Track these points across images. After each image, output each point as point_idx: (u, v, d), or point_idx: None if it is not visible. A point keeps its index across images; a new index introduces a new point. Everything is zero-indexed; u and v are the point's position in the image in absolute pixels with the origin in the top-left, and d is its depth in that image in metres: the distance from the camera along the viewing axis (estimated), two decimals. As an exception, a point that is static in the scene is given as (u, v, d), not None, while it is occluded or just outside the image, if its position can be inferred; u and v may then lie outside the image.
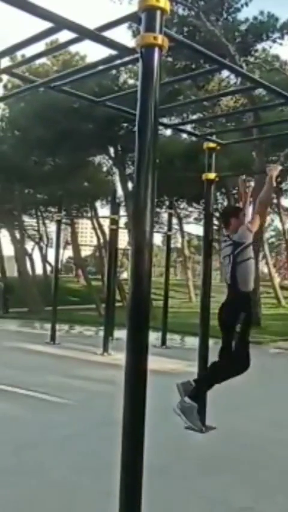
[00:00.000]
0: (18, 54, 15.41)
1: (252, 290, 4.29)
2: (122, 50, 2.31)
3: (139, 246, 2.01)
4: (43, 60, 21.42)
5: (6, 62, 2.97)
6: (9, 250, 29.05)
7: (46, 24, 2.21)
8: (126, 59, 2.44)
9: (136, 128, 2.05)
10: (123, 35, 14.98)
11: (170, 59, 15.54)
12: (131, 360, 2.02)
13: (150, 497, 2.17)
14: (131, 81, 19.13)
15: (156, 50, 2.06)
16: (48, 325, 11.09)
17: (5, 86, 21.57)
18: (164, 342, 10.43)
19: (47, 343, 10.16)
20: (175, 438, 4.08)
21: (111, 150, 22.17)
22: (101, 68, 2.88)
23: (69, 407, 5.25)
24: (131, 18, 2.25)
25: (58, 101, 15.72)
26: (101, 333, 9.69)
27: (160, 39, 2.05)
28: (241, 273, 4.07)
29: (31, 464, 3.56)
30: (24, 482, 3.20)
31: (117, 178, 23.05)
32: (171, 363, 7.42)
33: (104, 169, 25.18)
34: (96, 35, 2.26)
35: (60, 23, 2.08)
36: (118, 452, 2.04)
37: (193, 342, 7.92)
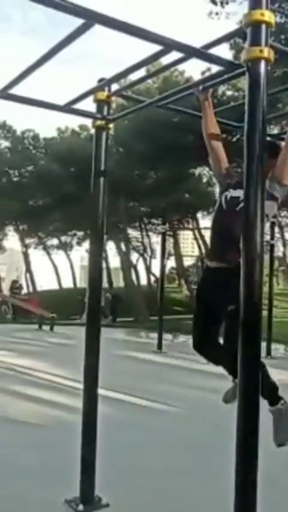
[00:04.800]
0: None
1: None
2: (228, 65, 2.37)
3: (250, 257, 2.04)
4: (141, 74, 22.00)
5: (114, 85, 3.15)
6: (115, 262, 30.17)
7: (154, 47, 2.33)
8: (232, 74, 2.49)
9: (244, 140, 2.09)
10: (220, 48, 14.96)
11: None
12: (244, 370, 2.04)
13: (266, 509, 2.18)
14: (229, 93, 19.06)
15: (263, 62, 2.10)
16: (153, 335, 11.31)
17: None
18: (269, 352, 10.19)
19: (153, 351, 10.36)
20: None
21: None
22: (209, 83, 2.95)
23: (178, 415, 5.31)
24: (237, 34, 2.31)
25: (158, 116, 16.10)
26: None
27: (266, 52, 2.09)
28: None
29: (138, 467, 3.65)
30: (131, 484, 3.32)
31: (217, 189, 22.97)
32: (278, 374, 7.20)
33: (204, 180, 25.27)
34: (202, 53, 2.34)
35: (169, 45, 2.19)
36: (229, 460, 2.07)
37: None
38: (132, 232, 30.02)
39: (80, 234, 32.26)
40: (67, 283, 36.10)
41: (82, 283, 36.18)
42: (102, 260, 3.27)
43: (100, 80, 2.97)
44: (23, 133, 28.09)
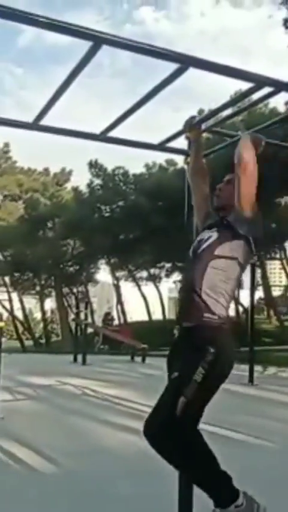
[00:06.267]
0: (207, 108, 16.40)
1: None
2: None
3: None
4: (229, 111, 22.25)
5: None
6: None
7: (242, 84, 2.40)
8: None
9: None
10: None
11: None
12: None
13: None
14: None
15: None
16: (243, 366, 11.06)
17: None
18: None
19: (244, 383, 10.13)
20: None
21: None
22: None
23: (273, 450, 5.14)
24: None
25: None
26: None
27: None
28: (211, 278, 2.46)
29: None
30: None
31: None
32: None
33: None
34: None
35: (262, 82, 2.26)
36: None
37: None
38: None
39: (168, 265, 32.64)
40: (156, 315, 36.43)
41: (171, 314, 36.30)
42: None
43: (192, 118, 3.08)
44: (114, 171, 29.21)
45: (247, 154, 2.57)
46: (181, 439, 2.26)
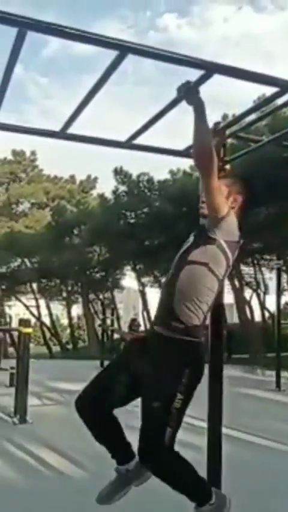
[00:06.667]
0: (230, 113, 16.34)
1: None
2: None
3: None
4: (252, 116, 22.18)
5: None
6: (228, 298, 29.77)
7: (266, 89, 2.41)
8: None
9: None
10: None
11: None
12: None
13: None
14: None
15: None
16: (270, 372, 10.96)
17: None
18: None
19: (270, 389, 10.02)
20: None
21: None
22: None
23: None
24: None
25: (266, 152, 15.98)
26: None
27: None
28: (182, 284, 2.40)
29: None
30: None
31: None
32: None
33: None
34: None
35: (285, 86, 2.26)
36: None
37: None
38: (245, 268, 29.61)
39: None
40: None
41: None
42: (223, 298, 3.28)
43: (216, 124, 3.10)
44: (139, 177, 29.30)
45: (205, 138, 2.29)
46: (169, 459, 2.37)
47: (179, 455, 2.40)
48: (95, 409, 2.46)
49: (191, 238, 2.53)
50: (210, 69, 2.15)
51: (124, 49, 1.97)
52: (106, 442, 2.55)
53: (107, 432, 2.53)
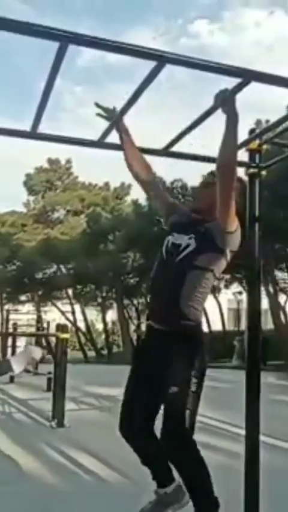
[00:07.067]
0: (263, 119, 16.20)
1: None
2: None
3: None
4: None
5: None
6: (262, 304, 29.40)
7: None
8: None
9: None
10: None
11: None
12: None
13: None
14: None
15: None
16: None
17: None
18: None
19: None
20: None
21: None
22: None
23: None
24: None
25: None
26: None
27: None
28: (190, 287, 2.58)
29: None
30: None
31: None
32: None
33: None
34: None
35: None
36: None
37: None
38: (279, 274, 29.21)
39: (227, 277, 32.23)
40: (215, 326, 36.01)
41: (230, 325, 35.90)
42: (260, 305, 3.27)
43: (251, 131, 3.10)
44: (172, 184, 29.32)
45: (232, 151, 2.46)
46: (189, 445, 2.53)
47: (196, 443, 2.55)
48: (135, 435, 2.69)
49: (191, 241, 2.61)
50: (247, 76, 2.15)
51: (162, 59, 2.00)
52: (150, 466, 2.73)
53: (151, 456, 2.72)
